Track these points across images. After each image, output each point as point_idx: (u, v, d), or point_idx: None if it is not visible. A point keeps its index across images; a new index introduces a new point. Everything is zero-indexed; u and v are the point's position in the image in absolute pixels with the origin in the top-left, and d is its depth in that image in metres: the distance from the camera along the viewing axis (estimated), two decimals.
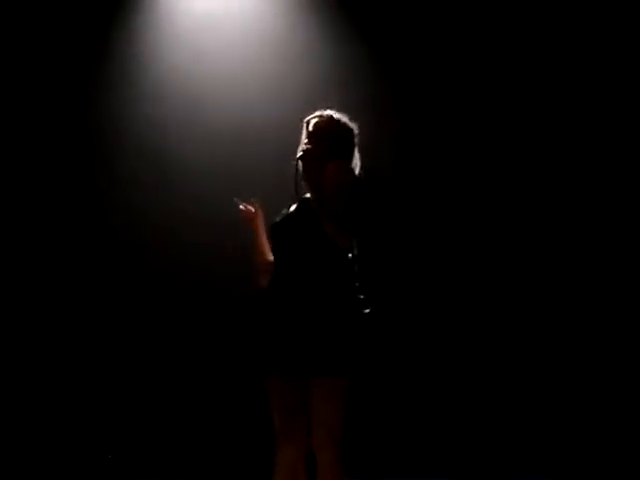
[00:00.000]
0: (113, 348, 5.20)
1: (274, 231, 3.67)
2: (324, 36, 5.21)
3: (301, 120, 3.67)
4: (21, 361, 5.20)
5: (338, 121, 3.65)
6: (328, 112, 3.67)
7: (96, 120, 5.34)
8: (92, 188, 5.32)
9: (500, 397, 4.90)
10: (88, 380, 5.19)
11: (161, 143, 5.29)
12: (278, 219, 3.68)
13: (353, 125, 3.69)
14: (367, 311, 3.56)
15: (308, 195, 3.65)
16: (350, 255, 3.57)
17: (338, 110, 3.68)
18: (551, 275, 4.95)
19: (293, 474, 3.55)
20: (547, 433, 4.86)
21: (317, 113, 3.67)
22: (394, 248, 5.01)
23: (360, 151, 3.69)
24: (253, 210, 3.80)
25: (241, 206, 3.79)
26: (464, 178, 5.06)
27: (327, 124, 3.62)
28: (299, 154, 3.57)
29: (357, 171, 3.65)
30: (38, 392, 5.19)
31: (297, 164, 3.57)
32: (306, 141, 3.61)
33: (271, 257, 3.69)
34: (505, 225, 5.00)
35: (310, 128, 3.63)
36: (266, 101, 5.19)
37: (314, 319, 3.48)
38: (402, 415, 4.96)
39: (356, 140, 3.69)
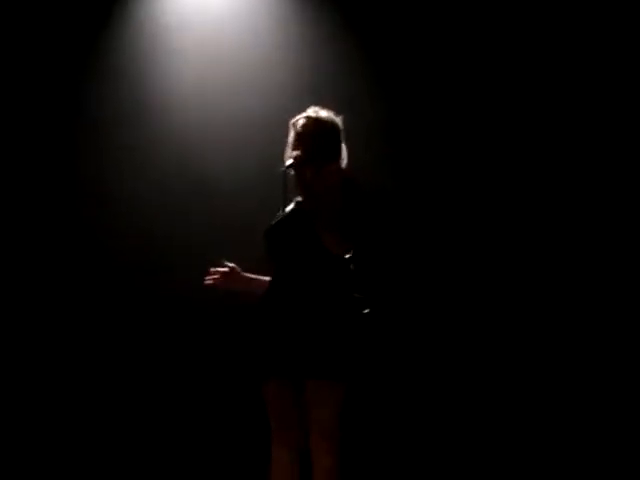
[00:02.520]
0: (110, 352, 5.15)
1: (268, 235, 3.63)
2: (315, 33, 5.14)
3: (288, 121, 3.64)
4: (15, 365, 5.17)
5: (325, 120, 3.62)
6: (313, 111, 3.64)
7: (83, 130, 5.28)
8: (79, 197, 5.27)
9: (502, 398, 4.82)
10: (81, 384, 5.14)
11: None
12: (272, 222, 3.64)
13: (338, 120, 3.66)
14: (366, 311, 3.54)
15: (300, 198, 3.62)
16: (346, 256, 3.54)
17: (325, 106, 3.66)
18: (551, 282, 4.89)
19: (289, 475, 3.53)
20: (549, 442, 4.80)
21: (303, 114, 3.63)
22: (391, 249, 4.95)
23: (349, 146, 3.66)
24: (227, 270, 3.71)
25: (211, 278, 3.70)
26: (459, 177, 5.00)
27: (314, 125, 3.59)
28: (290, 161, 3.52)
29: (344, 163, 3.63)
30: (32, 395, 5.14)
31: (287, 170, 3.53)
32: (294, 144, 3.58)
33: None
34: (503, 224, 4.95)
35: (298, 129, 3.60)
36: (255, 100, 5.12)
37: (309, 322, 3.45)
38: (402, 419, 4.91)
39: (342, 134, 3.66)
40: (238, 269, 3.71)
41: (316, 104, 3.67)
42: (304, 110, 3.65)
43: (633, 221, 4.84)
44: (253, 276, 3.72)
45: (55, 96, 5.25)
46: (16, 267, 5.20)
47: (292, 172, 3.53)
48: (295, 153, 3.53)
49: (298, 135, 3.59)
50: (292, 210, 3.60)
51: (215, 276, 3.71)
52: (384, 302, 4.48)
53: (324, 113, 3.63)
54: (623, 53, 4.88)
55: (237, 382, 4.69)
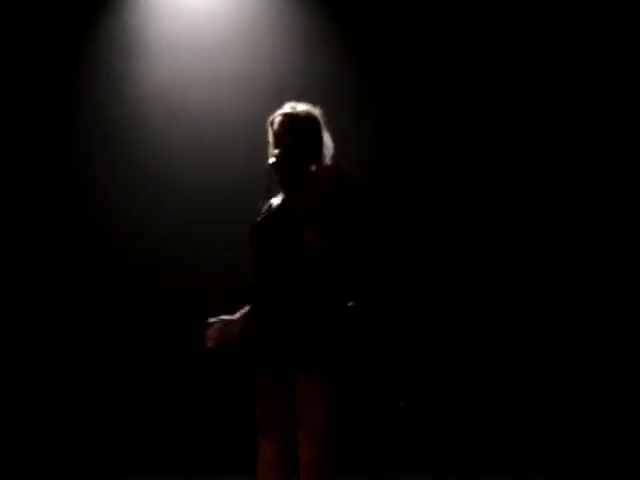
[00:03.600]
0: (106, 349, 5.21)
1: (255, 232, 3.61)
2: (307, 32, 5.11)
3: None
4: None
5: (301, 115, 3.59)
6: (290, 107, 3.62)
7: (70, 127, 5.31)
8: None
9: (491, 392, 4.80)
10: (79, 380, 5.22)
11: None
12: (259, 219, 3.62)
13: (317, 111, 3.64)
14: (351, 304, 3.54)
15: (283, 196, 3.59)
16: (332, 251, 3.53)
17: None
18: (547, 284, 4.85)
19: (275, 471, 3.52)
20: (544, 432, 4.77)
21: (279, 111, 3.61)
22: (383, 247, 4.93)
23: (338, 145, 3.63)
24: (220, 325, 3.66)
25: (210, 341, 3.65)
26: (447, 176, 4.97)
27: (290, 121, 3.57)
28: (271, 160, 3.50)
29: (330, 153, 3.60)
30: (32, 395, 5.21)
31: (269, 170, 3.50)
32: (274, 143, 3.56)
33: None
34: (491, 223, 4.95)
35: (275, 128, 3.58)
36: (239, 99, 5.12)
37: (298, 318, 3.46)
38: (389, 412, 4.88)
39: (322, 125, 3.63)
40: (227, 317, 3.67)
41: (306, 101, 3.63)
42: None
43: (633, 221, 4.79)
44: (245, 310, 3.68)
45: (49, 92, 5.26)
46: (6, 259, 5.21)
47: (274, 170, 3.50)
48: (275, 152, 3.51)
49: (276, 134, 3.57)
50: (278, 207, 3.58)
51: (212, 336, 3.65)
52: (370, 297, 4.49)
53: (301, 107, 3.61)
54: (623, 53, 4.84)
55: (228, 378, 4.70)
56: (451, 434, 4.83)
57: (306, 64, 5.07)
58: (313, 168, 3.52)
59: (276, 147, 3.54)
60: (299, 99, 3.62)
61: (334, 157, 3.62)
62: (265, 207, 3.63)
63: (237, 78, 5.11)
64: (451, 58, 4.99)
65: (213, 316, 3.67)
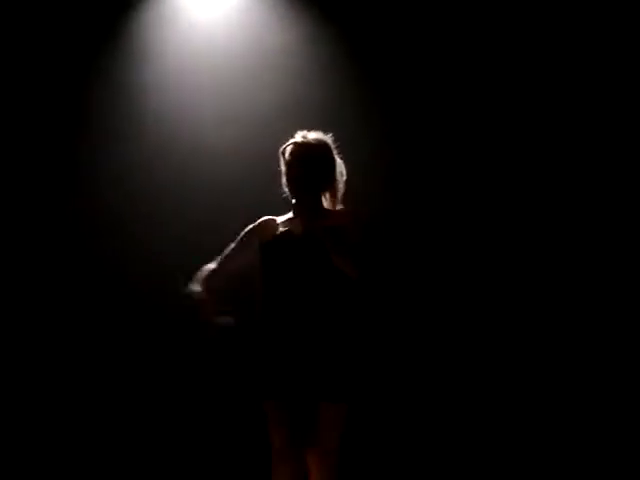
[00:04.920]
0: (115, 368, 5.09)
1: (272, 254, 3.58)
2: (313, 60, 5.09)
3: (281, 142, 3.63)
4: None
5: (312, 144, 3.62)
6: (301, 136, 3.64)
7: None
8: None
9: (501, 417, 4.83)
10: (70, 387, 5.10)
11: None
12: (271, 240, 3.60)
13: (328, 139, 3.67)
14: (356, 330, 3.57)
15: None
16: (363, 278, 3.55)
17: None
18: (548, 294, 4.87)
19: None
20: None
21: (291, 140, 3.63)
22: (394, 270, 4.92)
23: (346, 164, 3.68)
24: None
25: None
26: (460, 201, 4.97)
27: (303, 149, 3.59)
28: (293, 201, 3.56)
29: (343, 179, 3.66)
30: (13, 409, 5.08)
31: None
32: (287, 173, 3.58)
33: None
34: (503, 245, 4.94)
35: (287, 157, 3.60)
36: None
37: (313, 344, 3.48)
38: (402, 439, 4.92)
39: (334, 152, 3.66)
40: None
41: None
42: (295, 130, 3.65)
43: (633, 221, 4.80)
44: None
45: (57, 104, 5.21)
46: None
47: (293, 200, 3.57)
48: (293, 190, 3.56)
49: (288, 163, 3.60)
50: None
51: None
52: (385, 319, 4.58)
53: (312, 135, 3.64)
54: (623, 53, 4.83)
55: (241, 403, 4.68)
56: (464, 457, 4.84)
57: (313, 90, 5.03)
58: (327, 201, 3.61)
59: (288, 176, 3.58)
60: (308, 125, 3.65)
61: (347, 182, 3.67)
62: (279, 229, 3.61)
63: (240, 109, 5.07)
64: (458, 75, 4.96)
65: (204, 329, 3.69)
